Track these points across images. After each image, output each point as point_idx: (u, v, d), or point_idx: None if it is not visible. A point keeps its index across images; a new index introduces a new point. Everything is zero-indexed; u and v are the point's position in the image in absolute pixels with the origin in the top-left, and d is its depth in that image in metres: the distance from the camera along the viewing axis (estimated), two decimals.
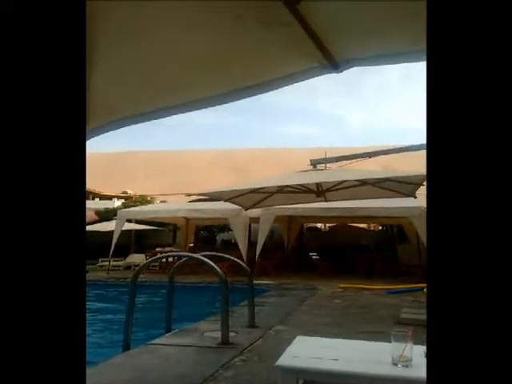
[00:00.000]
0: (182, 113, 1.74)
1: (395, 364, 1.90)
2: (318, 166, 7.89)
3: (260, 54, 1.51)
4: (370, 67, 1.64)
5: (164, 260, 13.32)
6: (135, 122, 1.80)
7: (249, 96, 1.65)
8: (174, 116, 1.79)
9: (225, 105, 1.69)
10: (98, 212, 19.91)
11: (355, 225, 17.46)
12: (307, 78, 1.58)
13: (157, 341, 4.29)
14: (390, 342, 1.98)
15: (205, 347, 4.04)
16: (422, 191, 7.41)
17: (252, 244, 12.44)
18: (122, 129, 1.85)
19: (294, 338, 2.49)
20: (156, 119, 1.78)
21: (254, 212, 10.26)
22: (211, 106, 1.68)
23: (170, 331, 4.73)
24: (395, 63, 1.57)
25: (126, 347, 3.99)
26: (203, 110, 1.72)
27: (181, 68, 1.57)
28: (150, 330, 5.35)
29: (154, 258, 9.13)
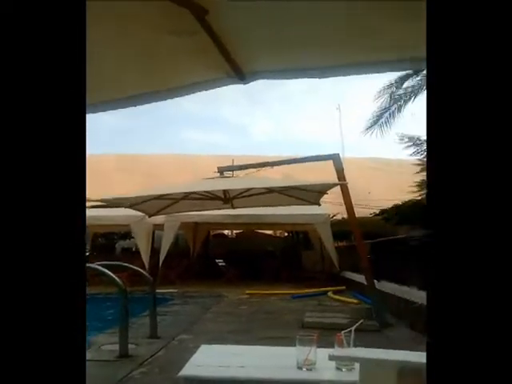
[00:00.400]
0: (89, 113, 1.68)
1: (300, 368, 1.92)
2: (226, 174, 7.92)
3: (167, 61, 1.51)
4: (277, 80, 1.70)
5: None
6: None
7: (155, 101, 1.66)
8: None
9: (130, 108, 1.70)
10: None
11: (262, 231, 17.84)
12: (214, 87, 1.62)
13: None
14: (294, 346, 1.98)
15: (101, 361, 3.81)
16: (326, 199, 7.78)
17: (155, 251, 12.05)
18: None
19: (199, 347, 2.39)
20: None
21: (158, 219, 9.98)
22: (118, 108, 1.68)
23: None
24: (301, 77, 1.64)
25: None
26: (109, 112, 1.72)
27: (89, 69, 1.51)
28: None
29: None
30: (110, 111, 1.72)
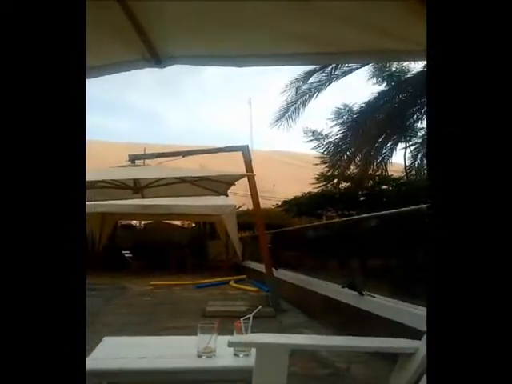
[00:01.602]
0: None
1: (200, 356, 1.96)
2: (137, 162, 7.72)
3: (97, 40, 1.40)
4: (191, 68, 1.66)
5: None
6: None
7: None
8: None
9: None
10: None
11: (170, 222, 17.62)
12: (128, 70, 1.54)
13: None
14: (196, 335, 2.01)
15: None
16: (232, 190, 7.96)
17: None
18: None
19: (101, 339, 2.40)
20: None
21: None
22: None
23: None
24: (217, 65, 1.62)
25: None
26: None
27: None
28: None
29: None
30: None
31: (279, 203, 14.59)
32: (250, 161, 6.34)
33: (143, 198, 7.21)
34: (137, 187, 6.68)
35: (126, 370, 1.98)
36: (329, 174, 12.33)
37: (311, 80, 11.04)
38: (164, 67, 1.50)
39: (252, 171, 6.30)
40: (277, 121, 11.74)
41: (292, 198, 13.33)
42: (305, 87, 11.18)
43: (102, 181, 6.53)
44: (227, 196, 7.68)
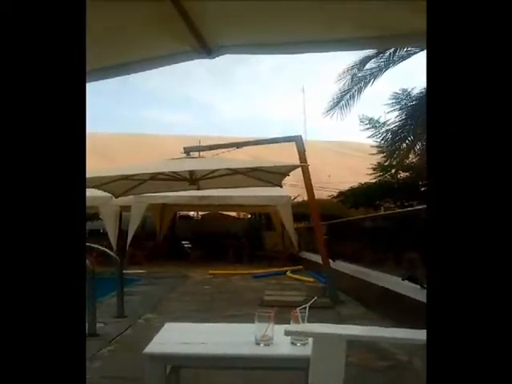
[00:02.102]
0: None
1: (258, 343, 1.99)
2: (192, 154, 7.90)
3: (130, 32, 1.43)
4: (244, 58, 1.66)
5: None
6: None
7: (117, 75, 1.58)
8: None
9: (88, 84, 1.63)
10: None
11: (226, 213, 17.95)
12: (179, 62, 1.54)
13: None
14: (254, 323, 2.05)
15: None
16: (287, 181, 7.96)
17: (123, 233, 11.99)
18: None
19: (163, 325, 2.52)
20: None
21: (126, 200, 9.91)
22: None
23: None
24: (268, 53, 1.60)
25: None
26: None
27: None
28: None
29: None
30: None
31: (335, 194, 14.40)
32: (304, 151, 6.29)
33: (199, 189, 7.36)
34: (192, 179, 6.82)
35: (187, 354, 2.07)
36: (386, 163, 11.97)
37: (367, 66, 10.71)
38: (214, 57, 1.50)
39: (306, 161, 6.26)
40: (331, 109, 11.52)
41: (348, 188, 13.09)
42: (360, 74, 10.86)
43: (161, 173, 6.75)
44: (281, 187, 7.68)
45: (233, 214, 18.97)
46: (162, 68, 1.60)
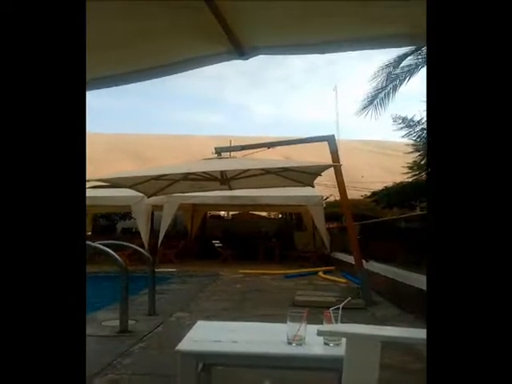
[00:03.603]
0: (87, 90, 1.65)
1: (290, 343, 1.98)
2: (223, 154, 7.94)
3: (165, 35, 1.45)
4: (276, 58, 1.65)
5: None
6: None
7: (152, 78, 1.60)
8: None
9: (122, 88, 1.65)
10: None
11: (257, 213, 17.97)
12: (212, 63, 1.55)
13: None
14: (285, 322, 2.04)
15: (103, 336, 3.95)
16: (320, 181, 7.88)
17: (155, 232, 12.19)
18: None
19: (195, 323, 2.52)
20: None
21: (157, 199, 10.07)
22: (112, 86, 1.62)
23: None
24: (300, 54, 1.58)
25: None
26: (100, 90, 1.65)
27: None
28: None
29: None
30: (102, 89, 1.65)
31: (368, 194, 14.16)
32: (336, 151, 6.22)
33: (230, 189, 7.40)
34: (223, 179, 6.86)
35: (219, 352, 2.06)
36: (423, 162, 11.66)
37: (403, 63, 10.49)
38: (247, 59, 1.50)
39: (338, 161, 6.19)
40: (364, 108, 11.35)
41: (382, 188, 12.86)
42: (396, 72, 10.65)
43: (192, 173, 6.82)
44: (313, 187, 7.61)
45: (263, 213, 18.98)
46: (195, 70, 1.60)
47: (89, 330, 4.12)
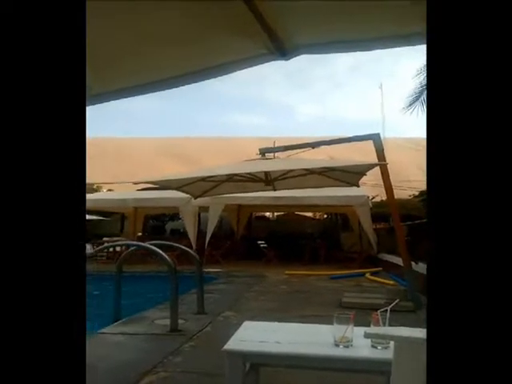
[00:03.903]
0: (127, 97, 1.68)
1: (337, 345, 1.98)
2: (267, 155, 7.97)
3: (206, 38, 1.45)
4: (319, 57, 1.62)
5: (111, 250, 13.00)
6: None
7: (195, 81, 1.60)
8: (113, 102, 1.73)
9: (168, 92, 1.65)
10: None
11: (302, 214, 17.89)
12: (254, 65, 1.53)
13: (105, 330, 4.26)
14: (332, 324, 2.04)
15: (154, 334, 4.07)
16: (366, 181, 7.74)
17: (201, 233, 12.44)
18: None
19: (242, 323, 2.56)
20: (100, 103, 1.69)
21: (204, 201, 10.26)
22: (157, 91, 1.63)
23: (119, 320, 4.70)
24: (344, 51, 1.55)
25: None
26: (146, 95, 1.67)
27: (125, 50, 1.51)
28: (98, 320, 5.27)
29: (101, 247, 8.93)
30: (148, 94, 1.65)
31: (416, 193, 13.76)
32: (382, 149, 6.09)
33: (274, 190, 7.41)
34: (268, 180, 6.88)
35: (266, 353, 2.09)
36: None
37: None
38: (289, 59, 1.48)
39: (384, 160, 6.06)
40: (410, 105, 11.04)
41: None
42: None
43: (237, 174, 6.90)
44: (359, 187, 7.49)
45: (308, 214, 18.87)
46: (237, 72, 1.60)
47: (141, 329, 4.28)
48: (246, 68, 1.54)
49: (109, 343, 3.79)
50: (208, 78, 1.58)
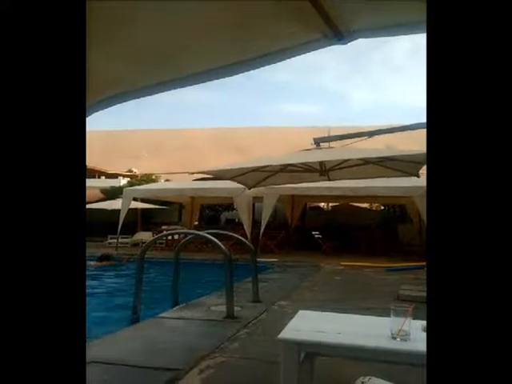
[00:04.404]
0: (181, 87, 1.69)
1: (394, 337, 1.95)
2: (322, 145, 7.87)
3: (260, 25, 1.43)
4: (376, 42, 1.55)
5: (170, 238, 13.49)
6: (133, 98, 1.76)
7: (249, 69, 1.58)
8: (167, 94, 1.77)
9: (220, 81, 1.63)
10: (103, 190, 20.00)
11: (357, 205, 17.55)
12: (310, 50, 1.50)
13: (164, 314, 4.43)
14: (388, 316, 2.01)
15: (211, 320, 4.18)
16: (424, 170, 7.44)
17: (255, 223, 12.56)
18: (117, 108, 1.85)
19: (296, 312, 2.58)
20: (153, 94, 1.74)
21: (258, 191, 10.35)
22: (209, 80, 1.62)
23: (177, 305, 4.88)
24: (402, 34, 1.50)
25: (135, 320, 4.13)
26: (198, 85, 1.68)
27: (179, 40, 1.52)
28: (157, 304, 5.52)
29: (160, 234, 9.28)
30: (199, 85, 1.65)
31: None
32: None
33: (329, 180, 7.32)
34: (323, 170, 6.80)
35: (321, 342, 2.09)
36: None
37: None
38: (346, 43, 1.45)
39: None
40: None
41: None
42: None
43: (291, 164, 6.87)
44: (419, 177, 7.22)
45: (364, 205, 18.47)
46: (290, 60, 1.58)
47: (198, 314, 4.42)
48: (301, 54, 1.52)
49: (168, 327, 3.95)
50: (263, 65, 1.56)
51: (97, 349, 3.21)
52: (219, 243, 4.44)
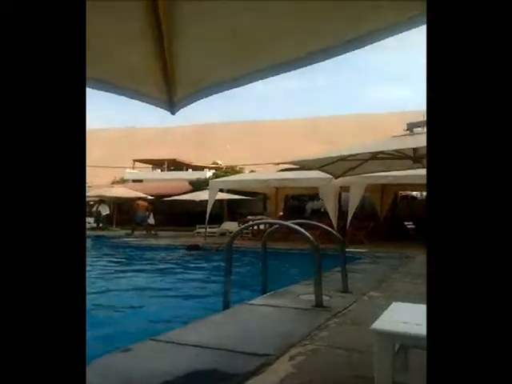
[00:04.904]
0: (271, 76, 1.69)
1: None
2: (415, 130, 7.49)
3: (357, 4, 1.39)
4: None
5: (256, 227, 13.77)
6: (221, 90, 1.78)
7: (345, 52, 1.55)
8: (253, 86, 1.78)
9: (311, 69, 1.62)
10: (191, 182, 21.11)
11: None
12: (409, 29, 1.43)
13: (254, 301, 4.54)
14: None
15: (300, 309, 4.20)
16: None
17: (342, 213, 12.35)
18: (205, 102, 1.90)
19: (388, 304, 2.51)
20: (243, 85, 1.75)
21: (344, 181, 10.16)
22: (302, 66, 1.61)
23: (266, 293, 4.96)
24: None
25: (226, 306, 4.28)
26: (288, 74, 1.66)
27: (270, 27, 1.53)
28: (247, 291, 5.67)
29: (246, 224, 9.50)
30: (284, 74, 1.64)
31: None
32: None
33: (424, 167, 6.96)
34: (416, 157, 6.49)
35: (416, 335, 2.02)
36: None
37: None
38: None
39: None
40: None
41: None
42: None
43: (381, 152, 6.64)
44: None
45: None
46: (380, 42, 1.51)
47: (287, 302, 4.46)
48: (400, 32, 1.46)
49: (258, 314, 4.03)
50: (360, 47, 1.52)
51: (192, 332, 3.38)
52: (306, 233, 4.43)
